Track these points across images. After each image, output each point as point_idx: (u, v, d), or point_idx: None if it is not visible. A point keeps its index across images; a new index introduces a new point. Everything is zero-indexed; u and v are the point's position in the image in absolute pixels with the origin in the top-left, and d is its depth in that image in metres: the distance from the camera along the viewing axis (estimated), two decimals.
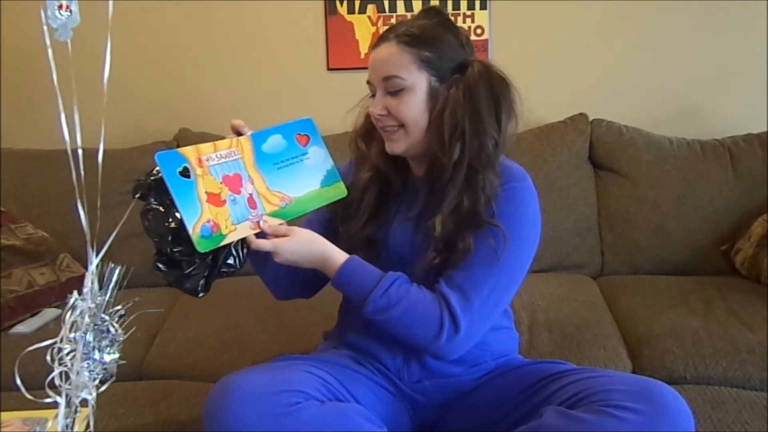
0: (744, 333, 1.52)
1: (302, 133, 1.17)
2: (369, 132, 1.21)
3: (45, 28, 0.72)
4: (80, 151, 0.75)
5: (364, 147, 1.22)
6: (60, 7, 0.73)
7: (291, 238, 1.07)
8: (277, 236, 1.07)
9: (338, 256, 1.10)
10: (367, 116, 1.21)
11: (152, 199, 1.02)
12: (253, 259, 1.16)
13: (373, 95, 1.15)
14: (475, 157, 1.09)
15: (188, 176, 1.00)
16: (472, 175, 1.09)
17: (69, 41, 0.75)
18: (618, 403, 0.94)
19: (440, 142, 1.09)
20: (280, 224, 1.09)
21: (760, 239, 1.83)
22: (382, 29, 2.16)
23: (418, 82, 1.10)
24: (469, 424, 1.16)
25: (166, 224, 1.01)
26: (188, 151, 1.02)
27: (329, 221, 1.19)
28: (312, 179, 1.15)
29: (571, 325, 1.60)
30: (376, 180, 1.20)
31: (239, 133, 1.12)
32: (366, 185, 1.20)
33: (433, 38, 1.11)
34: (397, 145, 1.14)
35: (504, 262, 1.08)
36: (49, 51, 0.73)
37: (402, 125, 1.12)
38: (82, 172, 0.76)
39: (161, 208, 1.01)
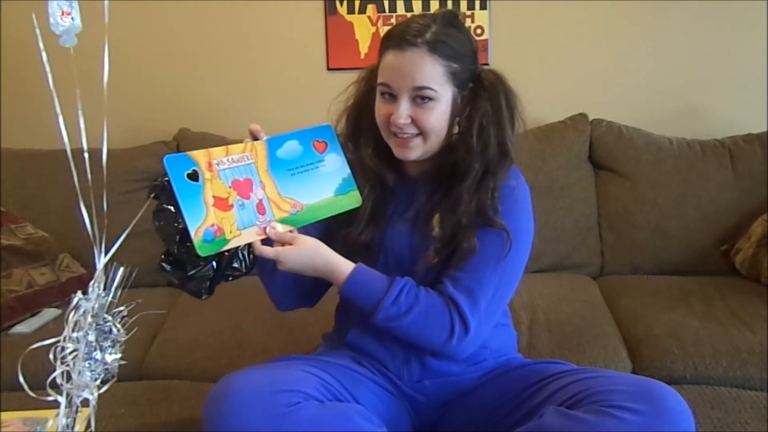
0: (744, 333, 1.52)
1: (320, 140, 1.16)
2: (355, 135, 1.21)
3: (38, 31, 0.72)
4: (86, 155, 0.75)
5: (353, 150, 1.21)
6: (62, 13, 0.74)
7: (295, 246, 1.06)
8: (282, 244, 1.06)
9: (344, 266, 1.09)
10: (348, 119, 1.20)
11: (165, 200, 1.02)
12: (262, 267, 1.16)
13: (385, 95, 1.12)
14: (493, 162, 1.11)
15: (197, 180, 1.00)
16: (485, 177, 1.11)
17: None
18: (618, 404, 0.94)
19: (468, 149, 1.10)
20: (290, 231, 1.08)
21: (760, 239, 1.83)
22: (383, 29, 2.18)
23: (444, 92, 1.10)
24: (469, 424, 1.16)
25: (176, 225, 1.01)
26: (199, 155, 1.02)
27: (325, 226, 1.18)
28: (326, 187, 1.14)
29: (571, 325, 1.60)
30: (373, 185, 1.19)
31: (256, 138, 1.11)
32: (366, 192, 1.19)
33: (460, 50, 1.11)
34: (412, 152, 1.13)
35: (506, 260, 1.10)
36: (43, 54, 0.73)
37: (421, 134, 1.11)
38: (89, 174, 0.76)
39: (172, 209, 1.02)
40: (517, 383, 1.13)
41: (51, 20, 0.73)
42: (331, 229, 1.19)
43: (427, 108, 1.09)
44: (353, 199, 1.16)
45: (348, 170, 1.17)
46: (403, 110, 1.09)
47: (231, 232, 1.02)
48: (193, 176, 1.00)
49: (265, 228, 1.06)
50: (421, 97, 1.09)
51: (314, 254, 1.07)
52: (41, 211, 1.97)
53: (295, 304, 1.24)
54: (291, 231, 1.08)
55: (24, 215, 1.93)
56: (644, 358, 1.51)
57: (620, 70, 2.22)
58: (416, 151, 1.13)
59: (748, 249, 1.85)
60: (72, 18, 0.74)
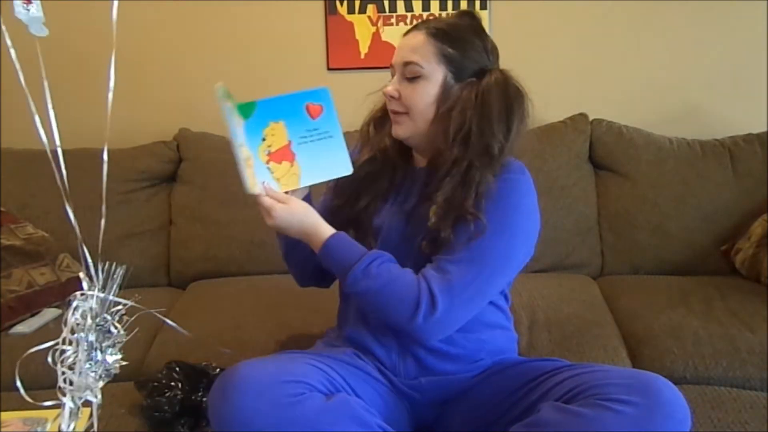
0: (744, 333, 1.52)
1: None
2: (383, 117, 1.24)
3: (3, 27, 0.73)
4: (59, 150, 0.75)
5: (374, 132, 1.25)
6: (25, 2, 0.74)
7: (287, 206, 1.10)
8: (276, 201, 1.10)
9: (326, 229, 1.13)
10: (383, 107, 1.23)
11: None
12: (286, 245, 1.25)
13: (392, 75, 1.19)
14: (477, 157, 1.11)
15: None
16: (470, 171, 1.11)
17: (37, 40, 0.75)
18: (614, 397, 0.94)
19: (445, 137, 1.12)
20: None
21: (760, 239, 1.83)
22: (383, 29, 2.19)
23: (434, 73, 1.14)
24: (467, 422, 1.16)
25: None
26: None
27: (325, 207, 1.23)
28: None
29: (571, 325, 1.60)
30: (372, 159, 1.22)
31: None
32: (363, 163, 1.22)
33: (460, 38, 1.15)
34: (401, 129, 1.18)
35: (491, 251, 1.09)
36: (12, 51, 0.73)
37: (407, 112, 1.15)
38: (64, 172, 0.75)
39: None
40: (514, 380, 1.13)
41: (15, 8, 0.74)
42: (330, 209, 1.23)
43: (414, 84, 1.15)
44: (343, 167, 1.17)
45: (341, 138, 1.17)
46: (394, 83, 1.17)
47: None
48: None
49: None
50: (411, 75, 1.14)
51: (303, 216, 1.11)
52: (41, 211, 1.97)
53: (311, 281, 1.32)
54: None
55: (24, 215, 1.93)
56: (644, 358, 1.51)
57: (620, 70, 2.22)
58: (404, 128, 1.17)
59: (748, 249, 1.85)
60: (31, 7, 0.74)
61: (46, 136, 0.73)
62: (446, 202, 1.11)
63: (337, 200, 1.24)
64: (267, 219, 1.10)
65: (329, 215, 1.18)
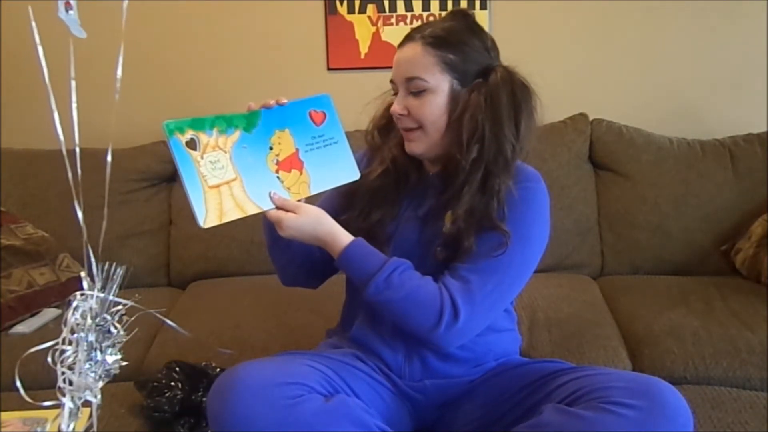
0: (744, 333, 1.52)
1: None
2: (387, 124, 1.22)
3: (35, 27, 0.73)
4: (77, 150, 0.75)
5: (380, 139, 1.23)
6: (67, 4, 0.74)
7: (298, 215, 1.07)
8: (285, 210, 1.07)
9: (344, 236, 1.10)
10: (387, 109, 1.21)
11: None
12: (273, 240, 1.18)
13: (396, 93, 1.16)
14: (493, 162, 1.10)
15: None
16: (488, 178, 1.10)
17: (71, 40, 0.75)
18: (616, 400, 0.94)
19: (458, 145, 1.11)
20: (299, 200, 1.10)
21: (760, 239, 1.83)
22: (383, 29, 2.19)
23: (440, 84, 1.11)
24: (469, 423, 1.16)
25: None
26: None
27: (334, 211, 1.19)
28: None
29: (571, 325, 1.60)
30: (386, 172, 1.20)
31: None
32: (376, 176, 1.20)
33: (459, 41, 1.12)
34: (416, 146, 1.15)
35: (511, 260, 1.09)
36: (40, 49, 0.73)
37: (420, 126, 1.13)
38: (79, 172, 0.75)
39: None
40: (516, 382, 1.13)
41: (58, 9, 0.74)
42: (338, 213, 1.19)
43: (421, 99, 1.12)
44: (351, 173, 1.17)
45: (347, 143, 1.17)
46: (399, 101, 1.14)
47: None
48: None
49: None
50: (416, 89, 1.11)
51: (317, 223, 1.09)
52: (41, 211, 1.97)
53: (299, 280, 1.27)
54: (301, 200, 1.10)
55: (24, 215, 1.93)
56: (644, 358, 1.51)
57: (620, 70, 2.22)
58: (419, 144, 1.15)
59: (748, 249, 1.86)
60: (71, 11, 0.75)
61: (65, 136, 0.73)
62: (469, 212, 1.10)
63: (349, 212, 1.20)
64: (279, 231, 1.08)
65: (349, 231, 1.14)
